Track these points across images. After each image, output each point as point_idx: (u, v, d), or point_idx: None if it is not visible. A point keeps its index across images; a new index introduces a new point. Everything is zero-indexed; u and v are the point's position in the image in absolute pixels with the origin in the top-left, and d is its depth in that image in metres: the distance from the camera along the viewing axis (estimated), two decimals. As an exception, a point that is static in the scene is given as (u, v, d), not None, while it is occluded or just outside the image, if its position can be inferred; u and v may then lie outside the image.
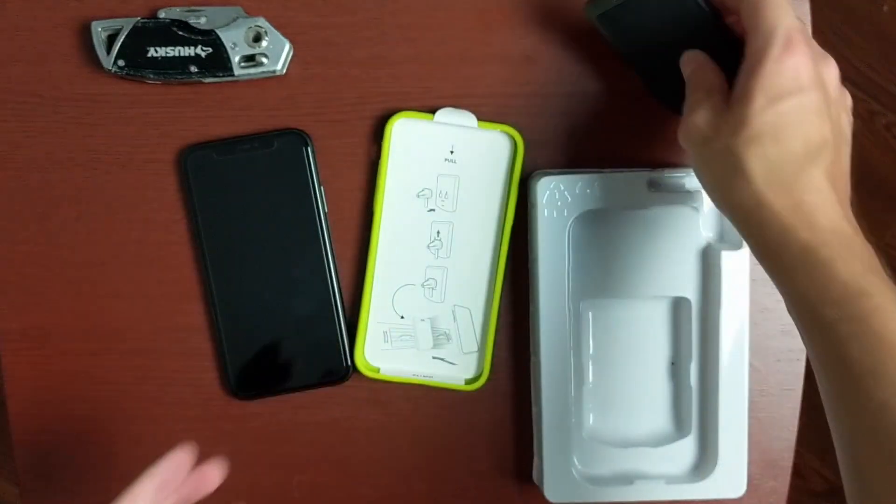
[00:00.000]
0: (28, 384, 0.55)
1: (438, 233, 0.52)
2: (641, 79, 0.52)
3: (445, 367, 0.53)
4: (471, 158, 0.52)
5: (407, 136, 0.52)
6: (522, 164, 0.52)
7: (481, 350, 0.53)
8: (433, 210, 0.52)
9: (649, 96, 0.52)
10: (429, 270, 0.52)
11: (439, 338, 0.53)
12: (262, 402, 0.55)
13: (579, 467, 0.53)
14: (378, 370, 0.53)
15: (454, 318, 0.53)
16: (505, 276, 0.53)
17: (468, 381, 0.53)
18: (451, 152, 0.52)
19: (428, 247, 0.52)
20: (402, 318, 0.53)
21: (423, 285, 0.53)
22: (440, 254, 0.53)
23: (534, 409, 0.53)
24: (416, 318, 0.53)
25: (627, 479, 0.53)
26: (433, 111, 0.52)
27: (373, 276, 0.52)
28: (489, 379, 0.53)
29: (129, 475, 0.56)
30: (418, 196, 0.52)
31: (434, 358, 0.53)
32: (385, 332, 0.53)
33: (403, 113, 0.52)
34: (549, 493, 0.52)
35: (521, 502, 0.56)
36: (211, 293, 0.53)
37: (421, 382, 0.53)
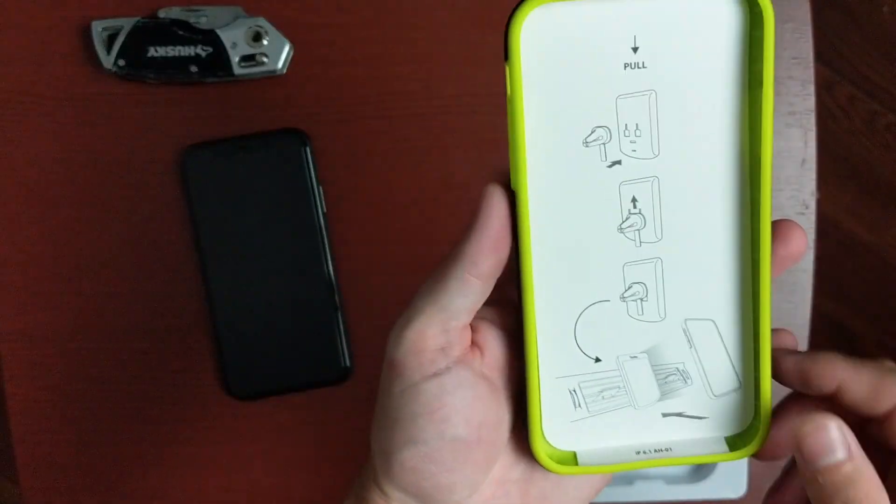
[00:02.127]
0: (28, 384, 0.55)
1: (635, 201, 0.30)
2: None
3: (689, 428, 0.32)
4: (673, 49, 0.29)
5: (552, 41, 0.28)
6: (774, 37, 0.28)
7: (747, 382, 0.32)
8: (618, 163, 0.30)
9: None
10: (629, 271, 0.31)
11: (669, 380, 0.31)
12: (262, 402, 0.55)
13: (579, 467, 0.53)
14: (574, 458, 0.31)
15: (689, 341, 0.31)
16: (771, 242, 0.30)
17: (733, 441, 0.32)
18: (635, 49, 0.29)
19: (621, 229, 0.30)
20: (598, 360, 0.31)
21: (623, 298, 0.31)
22: (644, 237, 0.30)
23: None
24: (623, 355, 0.31)
25: (627, 479, 0.53)
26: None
27: (532, 298, 0.30)
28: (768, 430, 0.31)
29: (129, 475, 0.56)
30: (587, 144, 0.29)
31: (665, 415, 0.32)
32: (573, 391, 0.31)
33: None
34: (549, 494, 0.52)
35: (521, 502, 0.56)
36: (209, 293, 0.53)
37: (656, 465, 0.31)
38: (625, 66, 0.29)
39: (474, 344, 0.30)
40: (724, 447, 0.31)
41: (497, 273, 0.29)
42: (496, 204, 0.28)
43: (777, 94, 0.54)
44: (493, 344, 0.30)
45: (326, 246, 0.53)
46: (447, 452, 0.29)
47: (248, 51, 0.51)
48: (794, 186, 0.55)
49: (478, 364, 0.30)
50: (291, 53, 0.52)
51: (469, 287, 0.28)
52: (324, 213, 0.53)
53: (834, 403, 0.30)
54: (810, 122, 0.54)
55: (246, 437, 0.55)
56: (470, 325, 0.30)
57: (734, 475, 0.52)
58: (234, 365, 0.54)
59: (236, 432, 0.55)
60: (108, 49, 0.51)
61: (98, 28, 0.51)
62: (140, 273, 0.54)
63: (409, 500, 0.30)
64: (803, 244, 0.30)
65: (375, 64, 0.53)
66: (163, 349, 0.55)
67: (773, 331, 0.31)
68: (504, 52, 0.28)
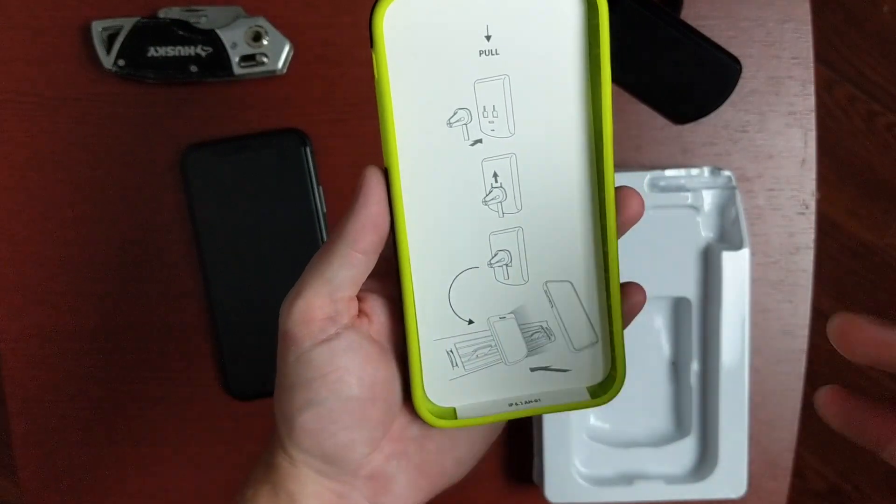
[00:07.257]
0: (28, 384, 0.55)
1: (496, 176, 0.33)
2: (634, 96, 0.53)
3: (554, 380, 0.35)
4: (521, 37, 0.32)
5: (413, 29, 0.31)
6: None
7: (604, 336, 0.34)
8: (479, 141, 0.32)
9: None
10: (494, 240, 0.33)
11: (535, 338, 0.34)
12: (262, 402, 0.55)
13: (579, 467, 0.53)
14: (454, 413, 0.34)
15: (550, 301, 0.34)
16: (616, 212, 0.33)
17: (594, 390, 0.34)
18: (488, 37, 0.31)
19: (485, 202, 0.33)
20: (470, 322, 0.34)
21: (490, 265, 0.34)
22: (506, 209, 0.33)
23: (534, 410, 0.53)
24: (493, 316, 0.34)
25: (627, 479, 0.53)
26: None
27: (409, 268, 0.32)
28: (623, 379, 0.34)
29: (128, 475, 0.56)
30: (450, 125, 0.32)
31: (534, 370, 0.35)
32: (449, 353, 0.34)
33: None
34: (549, 493, 0.52)
35: (521, 502, 0.56)
36: (209, 293, 0.53)
37: (527, 414, 0.34)
38: (480, 53, 0.31)
39: (362, 313, 0.32)
40: (587, 396, 0.34)
41: (378, 248, 0.31)
42: (374, 185, 0.31)
43: (777, 93, 0.54)
44: (379, 312, 0.33)
45: (326, 246, 0.53)
46: (344, 412, 0.31)
47: (248, 51, 0.51)
48: (794, 186, 0.55)
49: (366, 329, 0.32)
50: (291, 53, 0.52)
51: (351, 261, 0.31)
52: (324, 213, 0.53)
53: None
54: (810, 122, 0.54)
55: (246, 437, 0.55)
56: (358, 296, 0.32)
57: (735, 475, 0.52)
58: (234, 365, 0.54)
59: (236, 432, 0.55)
60: (108, 49, 0.51)
61: (98, 28, 0.51)
62: (140, 273, 0.54)
63: (313, 461, 0.32)
64: (640, 208, 0.33)
65: (375, 64, 0.53)
66: (163, 349, 0.55)
67: (624, 285, 0.34)
68: (369, 39, 0.30)
